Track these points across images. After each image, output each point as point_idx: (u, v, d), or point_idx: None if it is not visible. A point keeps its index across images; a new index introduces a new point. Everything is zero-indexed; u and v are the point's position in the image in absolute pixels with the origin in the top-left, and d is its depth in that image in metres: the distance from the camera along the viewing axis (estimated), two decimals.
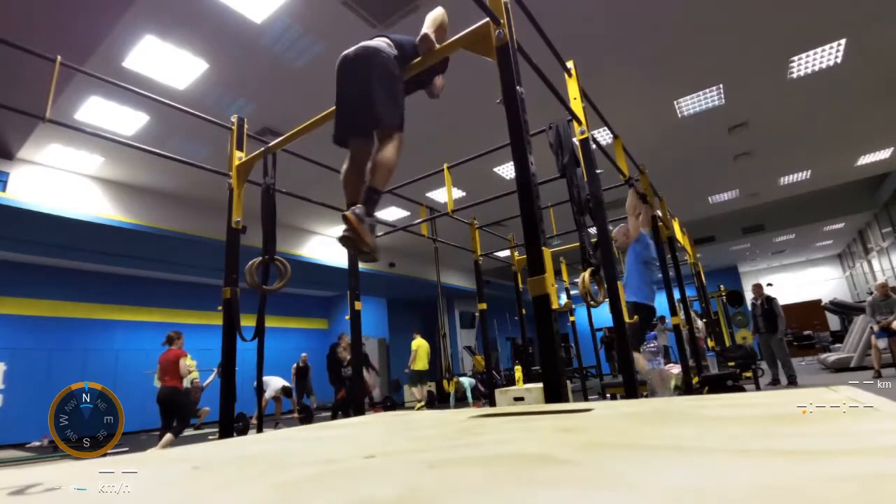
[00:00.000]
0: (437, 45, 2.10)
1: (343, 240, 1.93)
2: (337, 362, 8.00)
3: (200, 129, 5.44)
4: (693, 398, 1.23)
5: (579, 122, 2.85)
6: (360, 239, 1.90)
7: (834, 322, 15.12)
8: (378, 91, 2.00)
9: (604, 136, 6.34)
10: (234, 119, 3.09)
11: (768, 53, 5.55)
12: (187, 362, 5.43)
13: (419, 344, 9.48)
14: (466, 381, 8.67)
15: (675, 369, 4.86)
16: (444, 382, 9.15)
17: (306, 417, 8.33)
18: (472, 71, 5.02)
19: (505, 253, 7.34)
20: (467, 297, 14.82)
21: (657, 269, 4.26)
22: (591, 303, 2.73)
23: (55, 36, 4.14)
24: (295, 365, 9.26)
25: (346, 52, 2.15)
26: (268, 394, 7.95)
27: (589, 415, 0.85)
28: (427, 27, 2.12)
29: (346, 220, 1.90)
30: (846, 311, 10.77)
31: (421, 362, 9.36)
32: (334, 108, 2.21)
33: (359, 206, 1.95)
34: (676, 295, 4.51)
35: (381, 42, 2.12)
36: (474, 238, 5.67)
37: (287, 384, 8.29)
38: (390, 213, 9.05)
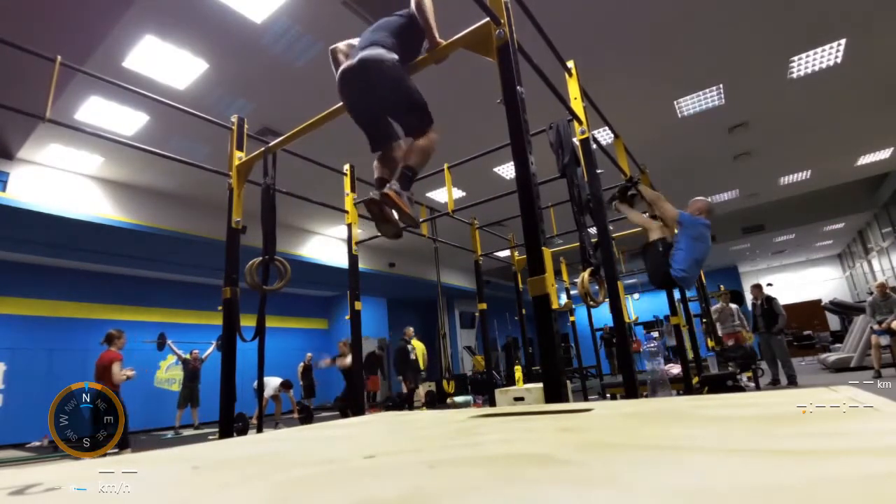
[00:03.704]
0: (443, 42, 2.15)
1: (368, 203, 1.99)
2: (405, 353, 8.55)
3: (200, 129, 5.43)
4: (693, 398, 1.23)
5: (580, 122, 2.85)
6: (402, 212, 1.98)
7: (834, 322, 15.09)
8: (398, 102, 2.06)
9: (604, 135, 6.34)
10: (234, 119, 3.10)
11: (768, 53, 5.55)
12: (124, 371, 4.81)
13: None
14: (462, 399, 8.96)
15: (675, 369, 4.87)
16: (444, 382, 9.23)
17: (306, 417, 8.33)
18: (472, 71, 5.03)
19: (505, 253, 7.34)
20: (467, 297, 14.81)
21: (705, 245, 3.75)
22: (591, 303, 2.74)
23: (55, 36, 4.14)
24: (301, 364, 9.50)
25: (346, 65, 2.11)
26: (266, 393, 7.95)
27: (589, 415, 0.85)
28: (436, 34, 2.14)
29: (385, 196, 1.96)
30: (846, 311, 10.76)
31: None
32: (351, 118, 2.26)
33: (394, 181, 2.03)
34: (676, 295, 4.52)
35: (379, 49, 2.07)
36: (474, 238, 5.67)
37: (284, 380, 8.31)
38: None
